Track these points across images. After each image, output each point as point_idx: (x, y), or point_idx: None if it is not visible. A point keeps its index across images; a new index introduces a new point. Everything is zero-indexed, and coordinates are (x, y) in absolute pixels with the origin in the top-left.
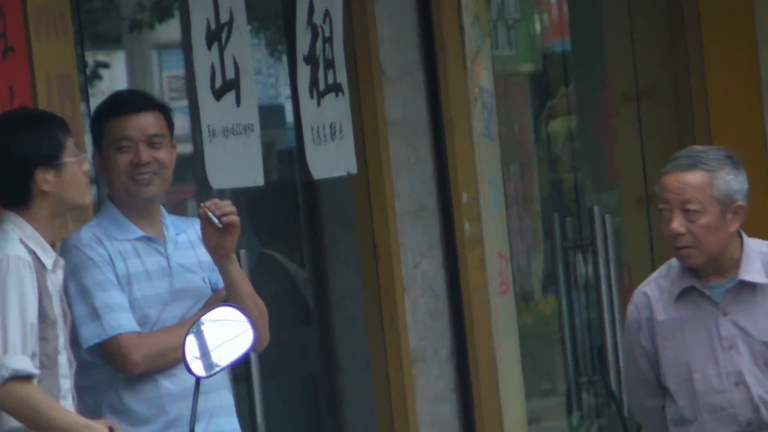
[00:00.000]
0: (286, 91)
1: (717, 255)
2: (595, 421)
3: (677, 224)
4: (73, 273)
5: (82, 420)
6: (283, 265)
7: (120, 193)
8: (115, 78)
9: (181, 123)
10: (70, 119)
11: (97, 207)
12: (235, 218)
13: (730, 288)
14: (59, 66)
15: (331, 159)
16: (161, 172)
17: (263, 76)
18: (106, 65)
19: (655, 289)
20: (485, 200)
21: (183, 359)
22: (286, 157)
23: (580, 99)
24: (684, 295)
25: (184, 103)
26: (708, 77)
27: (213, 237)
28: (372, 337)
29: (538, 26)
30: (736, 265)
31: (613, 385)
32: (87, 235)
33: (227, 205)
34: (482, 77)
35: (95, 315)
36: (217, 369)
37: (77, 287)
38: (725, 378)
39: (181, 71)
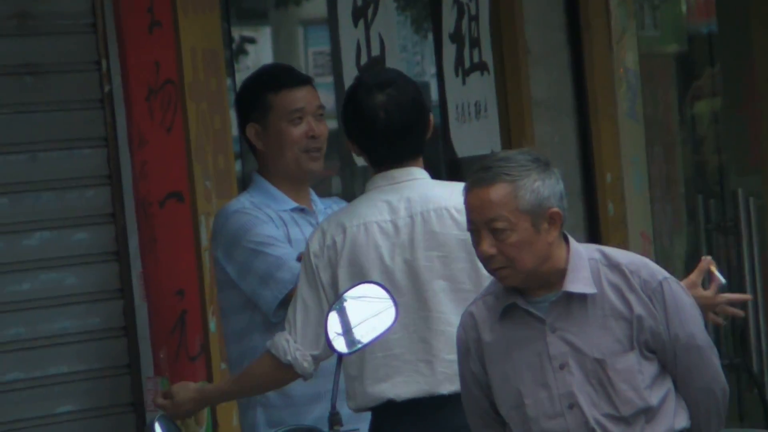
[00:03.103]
0: (432, 69)
1: (537, 270)
2: (735, 404)
3: (486, 246)
4: (238, 237)
5: None
6: None
7: (287, 166)
8: (261, 53)
9: (326, 99)
10: (216, 94)
11: (241, 181)
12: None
13: (554, 301)
14: (205, 41)
15: (475, 137)
16: (324, 145)
17: (408, 54)
18: (252, 41)
19: (481, 308)
20: (629, 181)
21: (325, 336)
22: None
23: (725, 80)
24: (509, 312)
25: (329, 79)
26: None
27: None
28: None
29: (683, 7)
30: (563, 275)
31: (755, 368)
32: (246, 201)
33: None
34: (627, 58)
35: (269, 275)
36: (359, 346)
37: (246, 252)
38: (558, 401)
39: (326, 47)
